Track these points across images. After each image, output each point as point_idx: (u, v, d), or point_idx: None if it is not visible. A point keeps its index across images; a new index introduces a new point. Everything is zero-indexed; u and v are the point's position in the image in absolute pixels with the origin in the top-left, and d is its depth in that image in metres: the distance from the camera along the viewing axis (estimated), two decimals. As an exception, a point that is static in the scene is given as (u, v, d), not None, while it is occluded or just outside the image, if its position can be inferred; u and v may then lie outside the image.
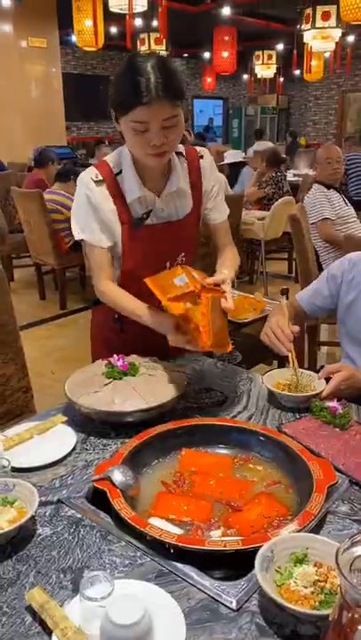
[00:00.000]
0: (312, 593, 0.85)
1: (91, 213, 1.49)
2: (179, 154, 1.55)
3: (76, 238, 1.55)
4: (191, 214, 1.59)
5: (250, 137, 14.31)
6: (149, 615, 0.78)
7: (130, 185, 1.47)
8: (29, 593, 0.87)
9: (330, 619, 0.73)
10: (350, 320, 1.79)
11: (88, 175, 1.49)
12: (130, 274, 1.56)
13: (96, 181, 1.47)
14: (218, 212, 1.65)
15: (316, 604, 0.84)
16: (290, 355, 1.55)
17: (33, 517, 1.04)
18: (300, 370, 1.58)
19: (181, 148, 1.56)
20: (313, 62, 8.88)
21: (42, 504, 1.09)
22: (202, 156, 1.59)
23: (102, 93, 14.08)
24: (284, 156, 7.64)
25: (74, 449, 1.28)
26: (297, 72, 11.03)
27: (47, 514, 1.08)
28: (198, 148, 1.60)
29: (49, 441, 1.30)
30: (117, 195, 1.48)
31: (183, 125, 1.39)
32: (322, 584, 0.86)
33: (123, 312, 1.53)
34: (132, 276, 1.53)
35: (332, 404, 1.38)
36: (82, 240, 1.55)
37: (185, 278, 1.36)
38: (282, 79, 12.72)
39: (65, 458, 1.25)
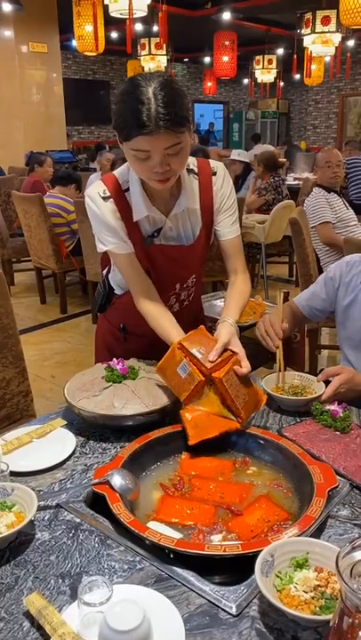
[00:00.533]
0: (313, 598, 0.84)
1: (104, 226, 1.44)
2: (190, 170, 1.48)
3: (99, 251, 1.51)
4: (201, 236, 1.53)
5: (250, 141, 14.36)
6: (148, 621, 0.78)
7: (137, 203, 1.42)
8: (27, 598, 0.86)
9: (331, 624, 0.72)
10: (348, 322, 1.79)
11: (95, 190, 1.44)
12: None
13: (103, 197, 1.43)
14: (226, 228, 1.56)
15: (317, 609, 0.83)
16: (277, 352, 1.54)
17: (31, 522, 1.03)
18: (300, 373, 1.58)
19: (194, 163, 1.49)
20: (313, 66, 8.89)
21: (40, 508, 1.08)
22: (215, 173, 1.51)
23: (103, 98, 14.16)
24: (283, 159, 7.67)
25: (73, 453, 1.27)
26: (297, 76, 11.08)
27: (46, 518, 1.07)
28: (212, 164, 1.52)
29: (48, 445, 1.30)
30: (125, 212, 1.43)
31: (188, 149, 1.31)
32: (322, 589, 0.85)
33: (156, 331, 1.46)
34: None
35: (333, 407, 1.37)
36: (107, 252, 1.50)
37: (187, 367, 1.28)
38: (282, 83, 12.75)
39: (64, 462, 1.24)
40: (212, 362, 1.28)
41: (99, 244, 1.48)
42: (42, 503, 1.09)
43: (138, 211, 1.43)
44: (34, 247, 5.04)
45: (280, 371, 1.54)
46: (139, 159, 1.27)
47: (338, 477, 1.12)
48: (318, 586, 0.86)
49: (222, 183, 1.52)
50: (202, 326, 1.40)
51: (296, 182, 7.49)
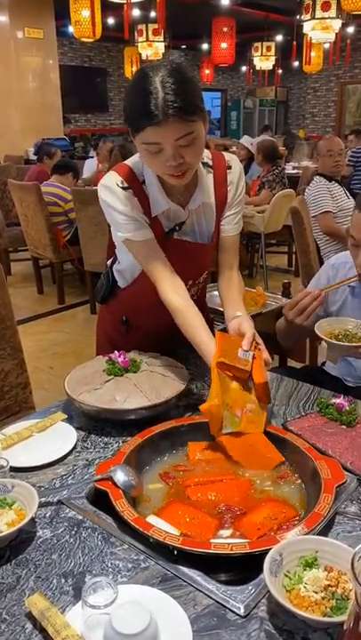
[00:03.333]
0: (323, 598, 0.82)
1: (122, 212, 1.35)
2: (205, 164, 1.42)
3: (120, 240, 1.43)
4: (215, 233, 1.50)
5: (248, 129, 14.24)
6: (155, 623, 0.75)
7: (155, 196, 1.36)
8: (29, 599, 0.84)
9: (344, 627, 0.70)
10: None
11: (113, 180, 1.36)
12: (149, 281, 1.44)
13: (122, 187, 1.35)
14: (230, 224, 1.51)
15: (328, 610, 0.81)
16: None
17: (33, 519, 1.00)
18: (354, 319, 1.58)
19: (208, 156, 1.44)
20: (312, 54, 8.80)
21: (41, 505, 1.05)
22: (230, 167, 1.46)
23: (100, 85, 14.00)
24: (282, 149, 7.59)
25: (74, 447, 1.25)
26: (296, 64, 10.95)
27: (47, 515, 1.04)
28: (227, 157, 1.47)
29: (49, 439, 1.27)
30: (145, 204, 1.37)
31: (203, 141, 1.25)
32: (333, 589, 0.83)
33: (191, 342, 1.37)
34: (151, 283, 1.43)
35: (339, 400, 1.35)
36: (126, 242, 1.40)
37: (249, 356, 1.28)
38: (280, 71, 12.62)
39: (65, 457, 1.22)
40: (246, 360, 1.27)
41: (117, 232, 1.40)
42: (43, 500, 1.07)
43: (156, 204, 1.37)
44: (31, 237, 4.99)
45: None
46: (151, 153, 1.22)
47: (345, 473, 1.10)
48: (329, 586, 0.84)
49: (237, 178, 1.47)
50: (217, 332, 1.35)
51: (295, 171, 7.43)
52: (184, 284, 1.41)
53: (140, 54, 9.36)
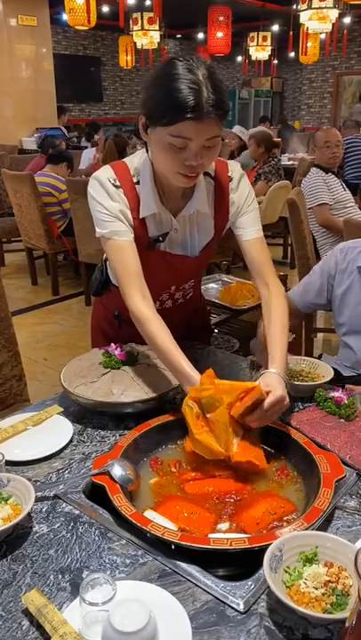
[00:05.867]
0: (323, 594, 0.81)
1: (108, 207, 1.32)
2: (206, 174, 1.38)
3: (97, 235, 1.37)
4: (209, 247, 1.45)
5: (244, 120, 14.15)
6: (154, 620, 0.74)
7: (146, 198, 1.32)
8: (26, 596, 0.82)
9: (346, 624, 0.69)
10: (345, 309, 1.76)
11: (105, 175, 1.33)
12: None
13: (114, 185, 1.32)
14: (248, 227, 1.43)
15: (328, 606, 0.80)
16: None
17: (29, 514, 0.99)
18: (304, 357, 1.55)
19: (212, 166, 1.39)
20: (309, 44, 8.75)
21: (38, 500, 1.04)
22: (231, 178, 1.41)
23: (94, 75, 13.86)
24: (277, 139, 7.53)
25: (70, 441, 1.23)
26: (292, 54, 10.88)
27: (44, 510, 1.03)
28: (230, 168, 1.42)
29: (44, 433, 1.26)
30: (134, 205, 1.33)
31: (220, 146, 1.23)
32: (333, 585, 0.82)
33: (150, 344, 1.30)
34: None
35: (337, 393, 1.34)
36: (102, 240, 1.35)
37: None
38: (276, 62, 12.54)
39: (61, 450, 1.20)
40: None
41: (97, 228, 1.36)
42: (39, 494, 1.05)
43: (146, 206, 1.33)
44: (24, 227, 4.94)
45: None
46: (174, 148, 1.17)
47: (344, 467, 1.09)
48: (329, 581, 0.83)
49: (238, 186, 1.42)
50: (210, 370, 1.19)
51: (291, 162, 7.40)
52: (160, 293, 1.38)
53: (135, 43, 9.28)
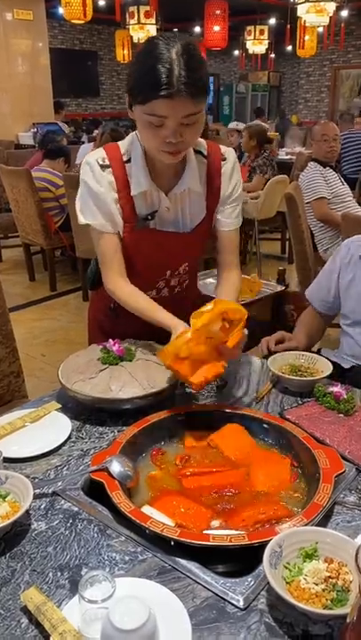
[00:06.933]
0: (323, 590, 0.81)
1: (94, 197, 1.36)
2: (199, 152, 1.40)
3: (80, 223, 1.41)
4: (202, 225, 1.45)
5: (241, 114, 14.11)
6: (154, 618, 0.74)
7: (137, 176, 1.34)
8: (25, 593, 0.82)
9: (348, 620, 0.69)
10: (349, 300, 1.76)
11: (94, 157, 1.35)
12: (131, 270, 1.45)
13: (102, 165, 1.34)
14: (228, 218, 1.48)
15: (328, 602, 0.79)
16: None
17: (27, 512, 0.98)
18: (302, 352, 1.54)
19: (204, 146, 1.41)
20: (306, 37, 8.70)
21: (36, 497, 1.03)
22: (225, 159, 1.43)
23: (91, 69, 13.80)
24: (274, 133, 7.51)
25: (69, 437, 1.23)
26: (289, 48, 10.84)
27: (42, 507, 1.02)
28: (223, 149, 1.44)
29: (42, 429, 1.25)
30: (123, 184, 1.35)
31: (203, 123, 1.25)
32: (333, 580, 0.82)
33: (135, 312, 1.40)
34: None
35: (336, 389, 1.33)
36: (88, 226, 1.41)
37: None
38: (273, 55, 12.49)
39: (60, 447, 1.20)
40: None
41: (81, 215, 1.40)
42: (37, 491, 1.05)
43: (137, 184, 1.34)
44: (22, 223, 4.92)
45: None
46: (152, 126, 1.20)
47: (343, 462, 1.08)
48: (329, 577, 0.82)
49: (232, 171, 1.45)
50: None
51: (288, 157, 7.37)
52: (156, 280, 1.45)
53: (132, 37, 9.22)
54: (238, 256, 1.56)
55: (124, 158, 1.36)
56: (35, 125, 8.29)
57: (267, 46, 10.30)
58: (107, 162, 1.35)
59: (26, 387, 1.95)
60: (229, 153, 1.46)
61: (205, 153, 1.41)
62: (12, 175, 4.71)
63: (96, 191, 1.35)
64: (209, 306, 1.23)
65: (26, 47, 8.59)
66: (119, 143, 1.38)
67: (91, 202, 1.37)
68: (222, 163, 1.43)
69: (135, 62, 1.20)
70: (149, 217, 1.39)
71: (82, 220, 1.40)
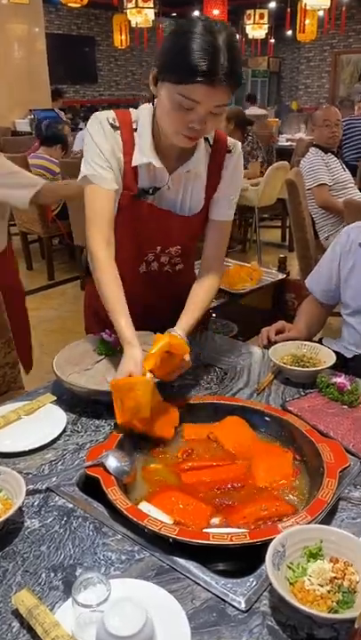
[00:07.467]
0: (329, 592, 0.77)
1: (98, 149, 1.29)
2: (205, 140, 1.37)
3: (78, 179, 1.34)
4: (201, 212, 1.41)
5: (240, 101, 13.95)
6: (151, 622, 0.70)
7: (142, 147, 1.29)
8: (16, 596, 0.78)
9: (356, 625, 0.65)
10: (351, 288, 1.72)
11: (105, 115, 1.31)
12: (124, 250, 1.39)
13: (112, 125, 1.29)
14: (222, 208, 1.43)
15: (334, 604, 0.76)
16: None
17: (20, 509, 0.95)
18: (304, 342, 1.50)
19: (212, 134, 1.37)
20: (307, 21, 8.58)
21: (29, 493, 1.00)
22: (230, 151, 1.40)
23: (88, 55, 13.61)
24: (274, 119, 7.42)
25: (64, 431, 1.19)
26: (289, 33, 10.69)
27: (35, 504, 0.99)
28: (230, 141, 1.40)
29: (37, 422, 1.21)
30: (129, 150, 1.30)
31: (225, 115, 1.22)
32: (339, 581, 0.79)
33: (101, 295, 1.28)
34: (127, 251, 1.39)
35: (340, 379, 1.29)
36: (83, 179, 1.31)
37: None
38: (273, 40, 12.33)
39: (54, 441, 1.16)
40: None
41: (83, 166, 1.32)
42: (31, 487, 1.01)
43: (140, 154, 1.29)
44: (18, 211, 4.85)
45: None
46: (181, 108, 1.15)
47: (348, 456, 1.05)
48: (335, 578, 0.79)
49: (235, 164, 1.41)
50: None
51: (289, 143, 7.29)
52: (145, 252, 1.38)
53: (130, 22, 9.08)
54: (224, 252, 1.50)
55: (134, 126, 1.31)
56: (31, 112, 8.18)
57: (266, 31, 10.17)
58: (117, 123, 1.30)
59: (22, 378, 1.91)
60: (236, 146, 1.42)
61: (211, 142, 1.38)
62: (8, 162, 4.63)
63: (102, 145, 1.30)
64: (154, 349, 1.17)
65: (22, 32, 8.44)
66: (131, 110, 1.34)
67: (94, 153, 1.30)
68: (227, 155, 1.40)
69: (174, 38, 1.14)
70: (150, 191, 1.35)
71: (84, 170, 1.32)
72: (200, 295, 1.40)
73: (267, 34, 10.31)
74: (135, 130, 1.31)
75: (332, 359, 1.38)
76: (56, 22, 12.87)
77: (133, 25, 9.06)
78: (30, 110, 8.29)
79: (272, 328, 1.66)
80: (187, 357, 1.23)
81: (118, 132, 1.30)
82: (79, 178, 1.33)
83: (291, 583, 0.79)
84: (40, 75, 8.78)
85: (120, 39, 10.92)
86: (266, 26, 9.99)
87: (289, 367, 1.36)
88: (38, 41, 8.70)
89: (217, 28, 1.11)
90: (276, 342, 1.53)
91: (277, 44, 13.67)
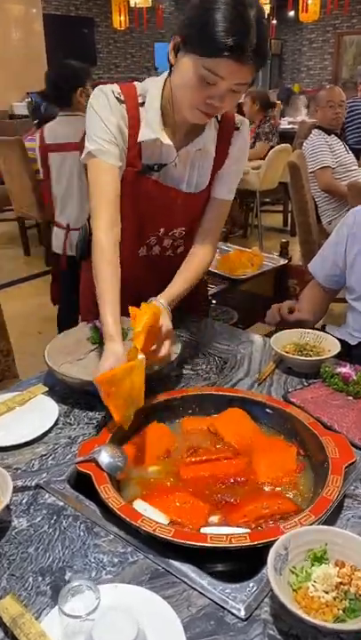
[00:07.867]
0: (335, 599, 0.72)
1: (104, 118, 1.22)
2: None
3: (82, 157, 1.26)
4: (207, 189, 1.38)
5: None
6: (143, 634, 0.65)
7: (149, 122, 1.23)
8: (0, 603, 0.73)
9: (364, 641, 0.60)
10: (354, 275, 1.66)
11: (109, 88, 1.24)
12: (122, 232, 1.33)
13: (117, 98, 1.23)
14: (224, 186, 1.40)
15: (340, 612, 0.71)
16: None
17: (7, 507, 0.90)
18: (307, 330, 1.44)
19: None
20: (309, 1, 8.38)
21: (18, 490, 0.95)
22: (238, 128, 1.36)
23: (87, 37, 13.37)
24: (277, 101, 7.27)
25: (55, 423, 1.14)
26: (291, 13, 10.47)
27: (24, 502, 0.93)
28: (237, 119, 1.36)
29: (27, 415, 1.16)
30: (134, 125, 1.24)
31: (243, 94, 1.16)
32: (345, 587, 0.74)
33: (95, 283, 1.21)
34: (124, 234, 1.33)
35: (345, 369, 1.24)
36: (87, 155, 1.24)
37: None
38: (275, 21, 12.09)
39: (45, 434, 1.11)
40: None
41: (88, 142, 1.25)
42: (19, 483, 0.96)
43: (147, 130, 1.23)
44: (15, 195, 4.77)
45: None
46: (202, 82, 1.09)
47: (354, 450, 0.99)
48: (341, 583, 0.74)
49: (243, 142, 1.38)
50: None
51: (291, 126, 7.16)
52: (148, 236, 1.34)
53: (129, 2, 8.89)
54: (220, 228, 1.46)
55: (140, 100, 1.25)
56: (29, 95, 8.03)
57: (268, 11, 9.94)
58: (122, 97, 1.23)
59: (21, 366, 1.86)
60: (244, 123, 1.37)
61: (219, 117, 1.32)
62: (3, 145, 4.54)
63: (108, 119, 1.23)
64: (139, 326, 1.09)
65: (18, 12, 8.28)
66: (135, 83, 1.28)
67: (99, 127, 1.22)
68: (235, 132, 1.35)
69: (203, 7, 1.06)
70: (156, 167, 1.29)
71: (88, 146, 1.24)
72: (190, 270, 1.37)
73: (268, 14, 10.09)
74: (141, 104, 1.24)
75: (336, 348, 1.32)
76: (53, 3, 12.62)
77: (132, 5, 8.87)
78: (28, 93, 8.15)
79: (284, 305, 1.60)
80: (166, 322, 1.16)
81: (124, 105, 1.23)
82: (83, 155, 1.26)
83: (294, 590, 0.74)
84: (37, 56, 8.63)
85: (119, 20, 10.70)
86: (268, 6, 9.77)
87: (291, 356, 1.31)
88: (36, 22, 8.55)
89: (248, 1, 1.05)
90: (287, 323, 1.47)
91: (280, 25, 13.41)
